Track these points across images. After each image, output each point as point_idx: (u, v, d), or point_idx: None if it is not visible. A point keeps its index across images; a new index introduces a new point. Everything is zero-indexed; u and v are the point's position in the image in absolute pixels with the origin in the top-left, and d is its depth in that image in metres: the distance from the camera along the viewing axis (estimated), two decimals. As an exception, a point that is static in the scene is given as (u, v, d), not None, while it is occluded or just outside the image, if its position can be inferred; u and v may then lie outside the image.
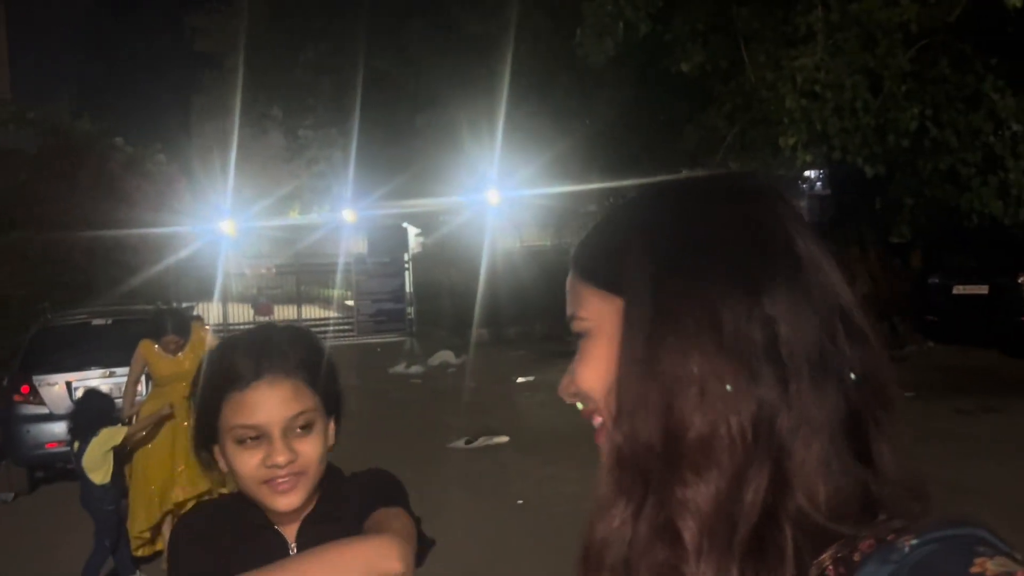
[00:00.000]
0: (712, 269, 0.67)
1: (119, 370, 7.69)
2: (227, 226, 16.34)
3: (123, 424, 5.24)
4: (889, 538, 0.62)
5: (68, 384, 7.75)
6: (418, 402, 10.96)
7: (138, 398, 5.69)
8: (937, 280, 11.79)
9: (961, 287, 11.34)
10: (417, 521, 1.34)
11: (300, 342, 1.29)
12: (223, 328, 18.61)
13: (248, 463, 1.21)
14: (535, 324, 15.37)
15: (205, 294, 17.91)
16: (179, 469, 5.16)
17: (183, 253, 15.82)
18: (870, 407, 0.68)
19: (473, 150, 13.78)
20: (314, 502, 1.30)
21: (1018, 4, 7.38)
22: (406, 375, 13.13)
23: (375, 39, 14.35)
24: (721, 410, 0.64)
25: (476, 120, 13.06)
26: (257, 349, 1.25)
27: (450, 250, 17.40)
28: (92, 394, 5.22)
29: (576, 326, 0.77)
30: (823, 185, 14.10)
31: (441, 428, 8.93)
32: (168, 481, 5.19)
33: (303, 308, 20.81)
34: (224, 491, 4.59)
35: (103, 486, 4.77)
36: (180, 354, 5.29)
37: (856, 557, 0.62)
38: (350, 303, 20.29)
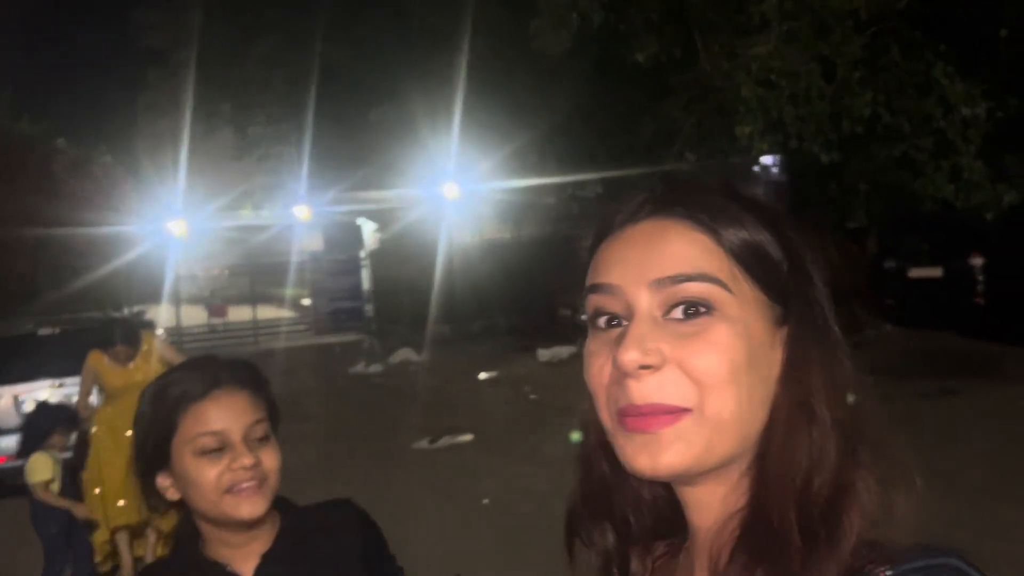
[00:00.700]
0: (828, 292, 0.74)
1: (69, 380, 7.47)
2: (177, 227, 15.98)
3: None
4: (866, 568, 0.62)
5: (15, 397, 7.49)
6: (379, 402, 10.83)
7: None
8: (893, 264, 11.99)
9: (916, 270, 11.55)
10: (400, 571, 1.38)
11: (240, 361, 1.35)
12: (176, 331, 18.25)
13: (210, 473, 1.21)
14: (497, 318, 15.31)
15: (156, 297, 17.52)
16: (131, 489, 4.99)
17: (132, 255, 15.45)
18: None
19: (430, 143, 13.63)
20: (272, 537, 1.30)
21: (966, -10, 7.48)
22: (366, 374, 12.97)
23: (330, 31, 14.11)
24: (859, 403, 0.70)
25: (433, 113, 12.92)
26: (205, 365, 1.30)
27: (408, 245, 17.23)
28: (42, 408, 5.06)
29: (696, 291, 0.68)
30: (779, 172, 14.22)
31: (404, 428, 8.82)
32: (119, 494, 5.01)
33: (258, 308, 20.49)
34: (158, 521, 4.43)
35: (47, 506, 4.62)
36: (131, 364, 5.12)
37: None
38: (306, 302, 20.05)
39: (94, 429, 5.04)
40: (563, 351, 13.05)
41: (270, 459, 1.26)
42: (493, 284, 14.78)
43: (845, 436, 0.68)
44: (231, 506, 1.22)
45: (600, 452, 0.78)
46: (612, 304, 0.71)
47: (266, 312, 21.22)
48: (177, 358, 5.32)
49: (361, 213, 18.80)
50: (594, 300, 0.73)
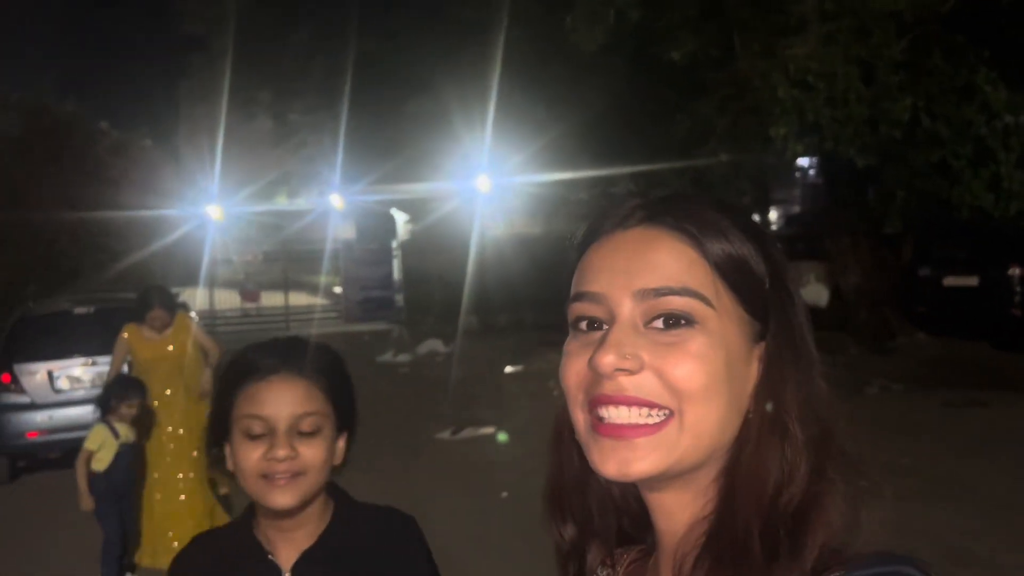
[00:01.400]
0: (802, 298, 0.77)
1: (101, 359, 7.61)
2: (214, 211, 16.22)
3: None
4: (822, 574, 0.63)
5: (50, 373, 7.66)
6: (405, 391, 10.90)
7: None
8: (927, 271, 11.78)
9: (951, 279, 11.33)
10: None
11: (324, 353, 1.33)
12: (209, 315, 18.51)
13: (251, 456, 1.23)
14: (525, 313, 15.31)
15: (191, 280, 17.79)
16: (154, 476, 5.07)
17: (169, 238, 15.70)
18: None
19: (463, 136, 13.67)
20: (319, 530, 1.30)
21: (1011, -5, 7.33)
22: (394, 363, 13.06)
23: (366, 23, 14.20)
24: (832, 419, 0.73)
25: (467, 106, 12.95)
26: (280, 348, 1.30)
27: (439, 237, 17.29)
28: (116, 379, 5.01)
29: (679, 306, 0.70)
30: (816, 174, 14.05)
31: (428, 417, 8.88)
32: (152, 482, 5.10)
33: (290, 295, 20.72)
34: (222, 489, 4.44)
35: (100, 475, 4.56)
36: (167, 332, 5.15)
37: None
38: (338, 290, 20.20)
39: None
40: (589, 348, 13.02)
41: (312, 454, 1.24)
42: (523, 278, 14.78)
43: (816, 453, 0.69)
44: (263, 493, 1.23)
45: (570, 449, 0.80)
46: (595, 310, 0.73)
47: (298, 299, 21.42)
48: (208, 342, 5.40)
49: (394, 203, 18.91)
50: (578, 307, 0.75)
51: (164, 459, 5.06)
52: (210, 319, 18.06)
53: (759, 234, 0.75)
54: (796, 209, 22.69)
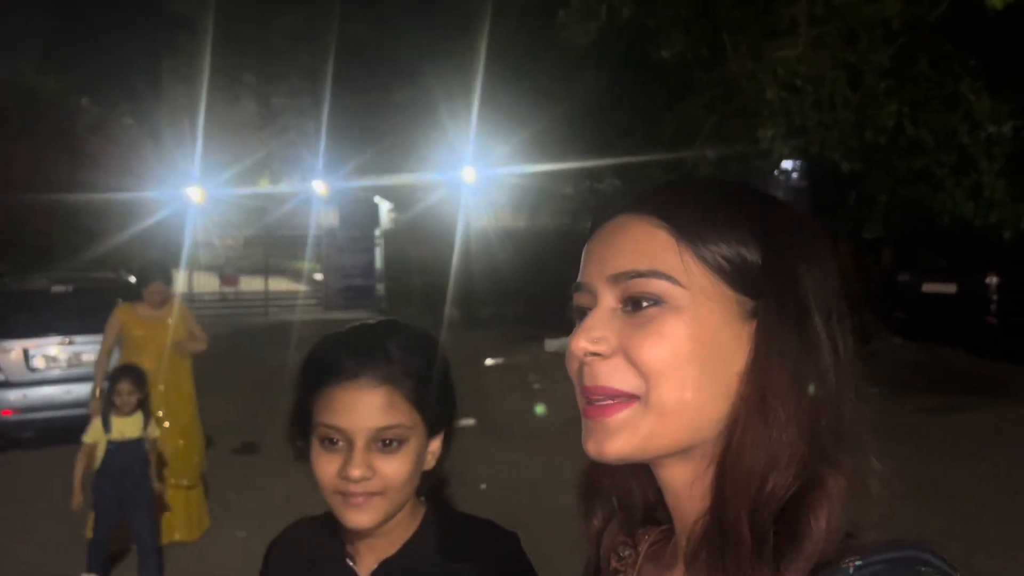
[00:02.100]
0: (831, 297, 0.72)
1: (79, 338, 7.54)
2: (195, 193, 16.05)
3: (93, 394, 5.01)
4: (839, 561, 0.63)
5: (25, 351, 7.56)
6: (385, 380, 10.85)
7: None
8: (907, 277, 11.90)
9: (930, 285, 11.46)
10: None
11: (417, 349, 1.20)
12: (187, 298, 18.35)
13: (327, 468, 1.13)
14: (507, 306, 15.32)
15: (171, 263, 17.59)
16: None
17: (149, 220, 15.52)
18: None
19: (450, 126, 13.62)
20: (402, 541, 1.20)
21: (999, 6, 7.38)
22: (373, 352, 13.01)
23: (354, 9, 14.09)
24: (835, 403, 0.69)
25: (454, 96, 12.90)
26: (365, 346, 1.16)
27: (423, 227, 17.24)
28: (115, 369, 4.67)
29: (655, 287, 0.70)
30: (799, 177, 14.14)
31: (407, 408, 8.84)
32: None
33: (270, 280, 20.59)
34: None
35: (96, 473, 4.29)
36: (163, 310, 5.10)
37: None
38: (318, 277, 20.10)
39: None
40: (570, 342, 13.05)
41: (393, 470, 1.12)
42: (505, 271, 14.79)
43: (813, 435, 0.68)
44: (338, 510, 1.14)
45: None
46: (584, 299, 0.75)
47: (278, 284, 21.31)
48: (200, 335, 5.34)
49: (378, 192, 18.81)
50: (575, 299, 0.77)
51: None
52: (188, 302, 17.88)
53: (755, 208, 0.73)
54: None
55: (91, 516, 4.42)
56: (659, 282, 0.70)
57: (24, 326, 7.63)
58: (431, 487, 1.24)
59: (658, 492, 0.79)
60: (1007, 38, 8.80)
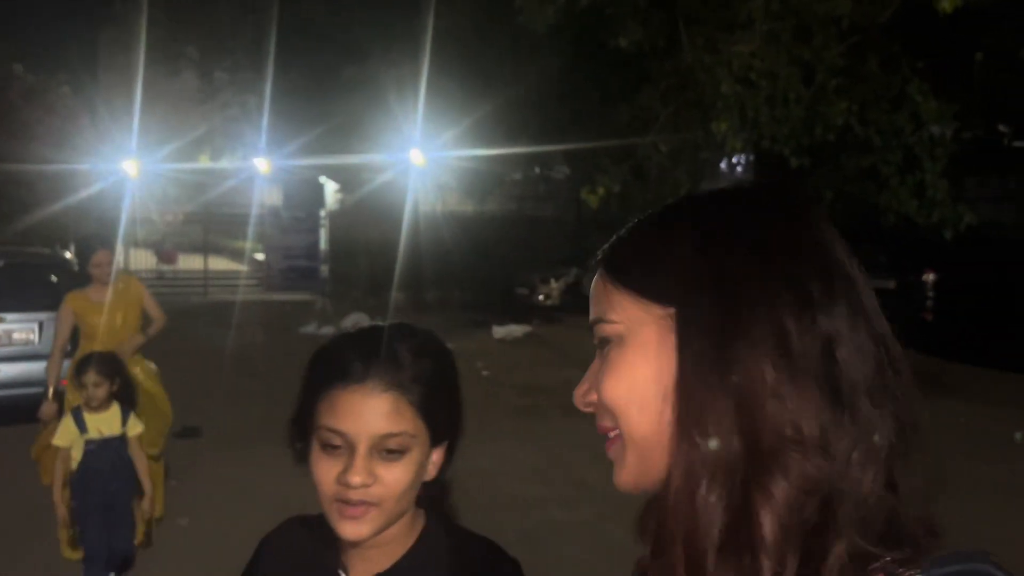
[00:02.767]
0: (774, 279, 0.66)
1: (9, 315, 7.23)
2: (132, 167, 15.54)
3: (45, 396, 4.59)
4: (898, 571, 0.62)
5: (-50, 329, 7.21)
6: (329, 364, 10.69)
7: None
8: (848, 273, 12.17)
9: (871, 282, 11.74)
10: None
11: (426, 355, 1.15)
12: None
13: (326, 473, 1.09)
14: (454, 291, 15.24)
15: (106, 238, 17.05)
16: None
17: (84, 193, 14.99)
18: (902, 436, 0.69)
19: (399, 107, 13.43)
20: (398, 555, 1.16)
21: (948, 9, 7.54)
22: (317, 336, 12.80)
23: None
24: (791, 420, 0.63)
25: (403, 76, 12.71)
26: (372, 349, 1.12)
27: (370, 209, 17.01)
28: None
29: (603, 331, 0.73)
30: (744, 170, 14.33)
31: (353, 393, 8.72)
32: None
33: (210, 259, 20.11)
34: None
35: (73, 477, 3.81)
36: (116, 284, 4.71)
37: None
38: (260, 257, 19.72)
39: (68, 395, 4.48)
40: (517, 330, 13.05)
41: (394, 479, 1.09)
42: (452, 256, 14.69)
43: (748, 438, 0.63)
44: (334, 519, 1.10)
45: None
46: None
47: (218, 263, 20.82)
48: (155, 310, 5.09)
49: (324, 171, 18.50)
50: None
51: None
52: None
53: (685, 218, 0.72)
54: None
55: (66, 534, 3.92)
56: (601, 326, 0.73)
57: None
58: (431, 498, 1.20)
59: None
60: (954, 41, 9.01)
